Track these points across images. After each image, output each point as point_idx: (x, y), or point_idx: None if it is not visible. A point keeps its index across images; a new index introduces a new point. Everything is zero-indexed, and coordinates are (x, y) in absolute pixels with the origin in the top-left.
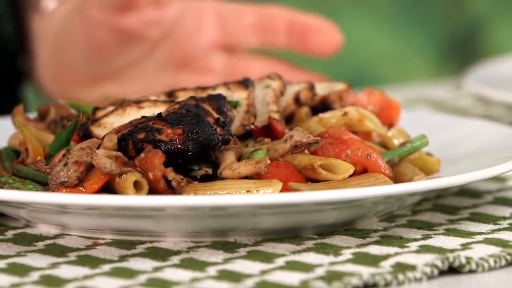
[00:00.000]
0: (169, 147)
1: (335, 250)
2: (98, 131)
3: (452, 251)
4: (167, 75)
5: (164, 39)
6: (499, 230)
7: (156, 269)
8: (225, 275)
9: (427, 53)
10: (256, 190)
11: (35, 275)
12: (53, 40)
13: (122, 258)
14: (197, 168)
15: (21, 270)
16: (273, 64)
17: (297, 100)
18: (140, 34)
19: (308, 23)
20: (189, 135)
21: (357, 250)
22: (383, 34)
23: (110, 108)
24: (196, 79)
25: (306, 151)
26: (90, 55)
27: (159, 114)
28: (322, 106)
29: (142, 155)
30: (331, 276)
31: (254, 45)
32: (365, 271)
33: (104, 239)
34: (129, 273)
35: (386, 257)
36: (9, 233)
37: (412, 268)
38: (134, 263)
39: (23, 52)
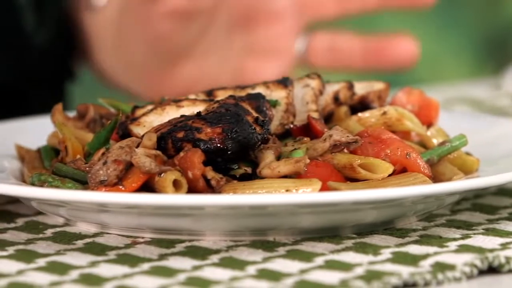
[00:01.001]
0: (209, 146)
1: (374, 250)
2: (137, 130)
3: (491, 250)
4: (239, 38)
5: (218, 2)
6: None
7: (196, 268)
8: (264, 274)
9: (464, 53)
10: (295, 189)
11: (74, 274)
12: (112, 38)
13: (162, 257)
14: (236, 167)
15: (61, 268)
16: None
17: (336, 99)
18: (193, 8)
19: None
20: (229, 134)
21: (396, 249)
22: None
23: (150, 107)
24: (270, 31)
25: (345, 150)
26: (156, 46)
27: (199, 113)
28: (361, 105)
29: (182, 154)
30: (371, 276)
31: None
32: (405, 271)
33: (143, 237)
34: (169, 272)
35: (425, 256)
36: (49, 232)
37: (452, 267)
38: (174, 262)
39: (73, 53)
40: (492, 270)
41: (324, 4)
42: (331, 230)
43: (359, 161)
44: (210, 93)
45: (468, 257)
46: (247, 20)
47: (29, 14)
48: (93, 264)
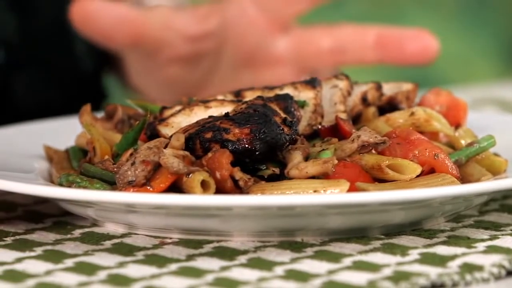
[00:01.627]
0: (237, 146)
1: (402, 250)
2: (165, 130)
3: None
4: (246, 75)
5: (222, 44)
6: None
7: (224, 268)
8: (292, 275)
9: (492, 53)
10: (323, 190)
11: (102, 274)
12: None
13: (189, 258)
14: (264, 167)
15: (89, 269)
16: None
17: (364, 100)
18: (197, 51)
19: (399, 32)
20: (257, 134)
21: (424, 250)
22: (448, 35)
23: (178, 108)
24: (273, 72)
25: (373, 151)
26: (168, 88)
27: (227, 114)
28: (389, 106)
29: (210, 154)
30: (399, 276)
31: (332, 66)
32: (433, 272)
33: (171, 238)
34: (197, 273)
35: (453, 257)
36: (77, 232)
37: (480, 268)
38: (201, 263)
39: (104, 70)
40: None
41: (321, 56)
42: (359, 231)
43: (387, 162)
44: (238, 94)
45: (496, 258)
46: (249, 62)
47: (80, 40)
48: (121, 264)
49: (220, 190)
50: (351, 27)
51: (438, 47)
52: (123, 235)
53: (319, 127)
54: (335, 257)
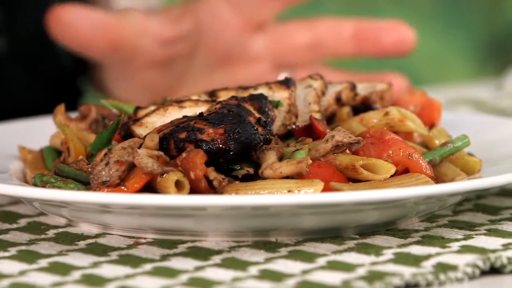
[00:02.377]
0: (211, 146)
1: (377, 250)
2: (139, 130)
3: (493, 251)
4: (220, 75)
5: (196, 46)
6: None
7: (198, 268)
8: (266, 275)
9: (467, 53)
10: (298, 190)
11: (76, 274)
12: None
13: (164, 258)
14: (239, 167)
15: (63, 269)
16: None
17: (338, 100)
18: (170, 55)
19: (376, 24)
20: (231, 134)
21: (398, 250)
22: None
23: (152, 108)
24: (248, 72)
25: (347, 151)
26: (144, 90)
27: (201, 114)
28: (363, 106)
29: (184, 154)
30: (373, 276)
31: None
32: (407, 271)
33: (145, 238)
34: (171, 273)
35: (427, 257)
36: (51, 232)
37: (454, 268)
38: (176, 263)
39: (82, 70)
40: (494, 270)
41: (298, 51)
42: (333, 231)
43: (361, 161)
44: (212, 94)
45: (470, 257)
46: (224, 61)
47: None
48: (95, 264)
49: (194, 190)
50: (328, 21)
51: (414, 38)
52: (97, 235)
53: (293, 127)
54: (309, 257)
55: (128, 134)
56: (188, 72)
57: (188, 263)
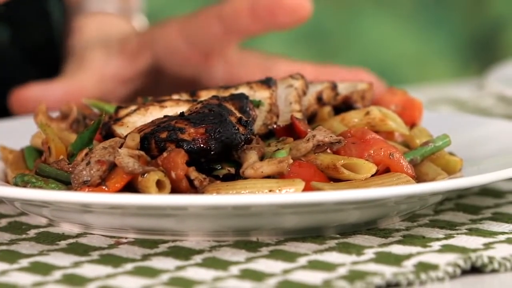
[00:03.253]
0: (192, 146)
1: (358, 250)
2: (120, 130)
3: (474, 250)
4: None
5: (158, 79)
6: None
7: (179, 268)
8: (247, 274)
9: (449, 53)
10: (279, 190)
11: (57, 274)
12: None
13: (145, 257)
14: (220, 167)
15: (44, 269)
16: (296, 64)
17: (319, 99)
18: (136, 91)
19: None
20: (212, 134)
21: (379, 249)
22: (404, 34)
23: (133, 107)
24: None
25: (328, 150)
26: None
27: (182, 113)
28: (344, 105)
29: (165, 154)
30: (354, 276)
31: (220, 40)
32: (388, 271)
33: (126, 238)
34: (152, 272)
35: (408, 256)
36: (32, 232)
37: (435, 267)
38: (157, 262)
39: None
40: (475, 270)
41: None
42: (314, 230)
43: (342, 161)
44: (193, 94)
45: (451, 257)
46: (192, 86)
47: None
48: (76, 264)
49: (175, 190)
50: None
51: (310, 5)
52: (78, 235)
53: (275, 126)
54: (290, 257)
55: (109, 134)
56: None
57: (169, 263)
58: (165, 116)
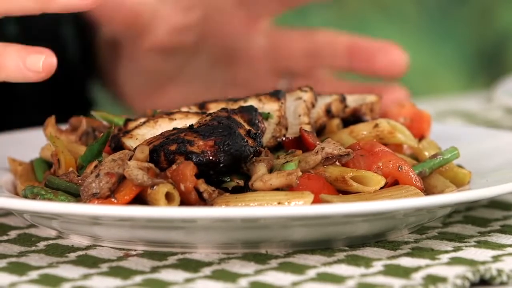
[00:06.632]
0: (201, 158)
1: (366, 262)
2: (129, 142)
3: (483, 263)
4: (221, 72)
5: (201, 38)
6: None
7: (188, 280)
8: (256, 287)
9: (456, 66)
10: (288, 202)
11: (67, 286)
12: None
13: (154, 270)
14: (229, 179)
15: (53, 281)
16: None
17: (328, 112)
18: (174, 44)
19: (370, 43)
20: (221, 147)
21: (388, 262)
22: (412, 47)
23: (142, 120)
24: (248, 70)
25: (337, 163)
26: (143, 75)
27: (191, 126)
28: (353, 118)
29: (174, 166)
30: None
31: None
32: (396, 283)
33: (135, 250)
34: (161, 285)
35: (417, 269)
36: (41, 244)
37: (443, 280)
38: (166, 275)
39: (92, 77)
40: (484, 282)
41: (294, 58)
42: (323, 243)
43: (351, 173)
44: (202, 106)
45: (460, 269)
46: (226, 58)
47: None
48: (86, 276)
49: (184, 202)
50: (325, 33)
51: (407, 62)
52: (87, 247)
53: (283, 139)
54: (299, 269)
55: (118, 146)
56: (190, 64)
57: (178, 275)
58: (174, 129)
